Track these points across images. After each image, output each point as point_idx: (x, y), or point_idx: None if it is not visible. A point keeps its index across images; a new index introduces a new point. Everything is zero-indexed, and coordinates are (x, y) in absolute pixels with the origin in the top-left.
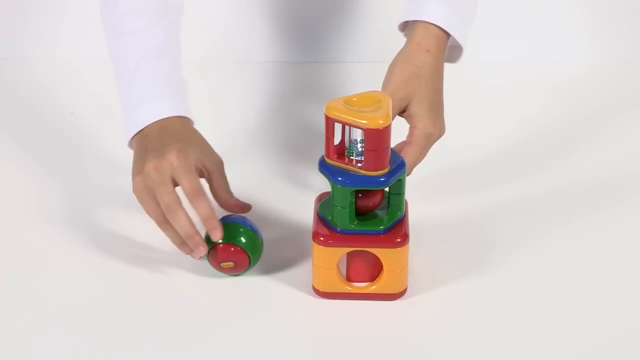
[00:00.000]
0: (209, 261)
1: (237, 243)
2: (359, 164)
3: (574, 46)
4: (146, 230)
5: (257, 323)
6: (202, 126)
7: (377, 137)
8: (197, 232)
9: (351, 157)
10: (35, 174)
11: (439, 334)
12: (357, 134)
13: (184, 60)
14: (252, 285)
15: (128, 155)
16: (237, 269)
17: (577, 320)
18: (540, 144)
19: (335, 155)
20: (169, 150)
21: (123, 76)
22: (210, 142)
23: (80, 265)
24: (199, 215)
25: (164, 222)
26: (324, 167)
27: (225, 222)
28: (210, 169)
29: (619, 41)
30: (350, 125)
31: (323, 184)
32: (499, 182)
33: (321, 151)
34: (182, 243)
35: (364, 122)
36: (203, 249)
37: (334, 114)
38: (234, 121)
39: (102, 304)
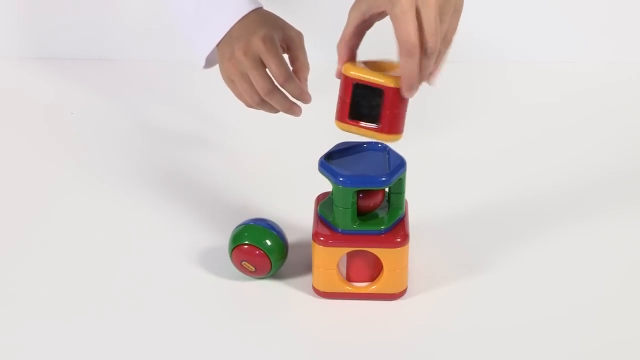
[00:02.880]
0: (231, 257)
1: (263, 247)
2: (372, 126)
3: (575, 46)
4: (145, 227)
5: (257, 323)
6: (201, 125)
7: (396, 97)
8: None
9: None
10: (35, 174)
11: (439, 334)
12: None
13: (182, 61)
14: (252, 284)
15: (128, 156)
16: (256, 274)
17: (578, 320)
18: (541, 143)
19: (348, 119)
20: (255, 36)
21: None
22: (208, 141)
23: (81, 265)
24: (291, 94)
25: (260, 102)
26: (324, 167)
27: (256, 225)
28: (291, 44)
29: (621, 41)
30: (371, 85)
31: (323, 184)
32: (500, 182)
33: (322, 151)
34: (287, 109)
35: (383, 81)
36: (309, 95)
37: (352, 74)
38: (234, 120)
39: (103, 301)
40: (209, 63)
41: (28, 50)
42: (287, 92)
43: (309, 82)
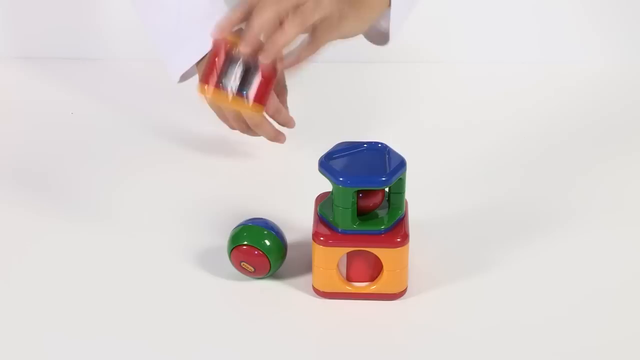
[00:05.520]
0: (230, 258)
1: (261, 247)
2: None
3: (573, 46)
4: (143, 227)
5: (257, 323)
6: (200, 124)
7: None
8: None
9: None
10: (35, 174)
11: (439, 334)
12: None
13: None
14: (252, 285)
15: (125, 155)
16: (255, 274)
17: (580, 320)
18: (541, 143)
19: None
20: None
21: (168, 12)
22: (208, 141)
23: (79, 264)
24: (278, 123)
25: (246, 129)
26: (324, 167)
27: (254, 225)
28: None
29: (619, 42)
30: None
31: (323, 184)
32: (500, 182)
33: (322, 151)
34: (273, 138)
35: None
36: (293, 121)
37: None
38: None
39: (101, 302)
40: (183, 78)
41: (13, 50)
42: (275, 121)
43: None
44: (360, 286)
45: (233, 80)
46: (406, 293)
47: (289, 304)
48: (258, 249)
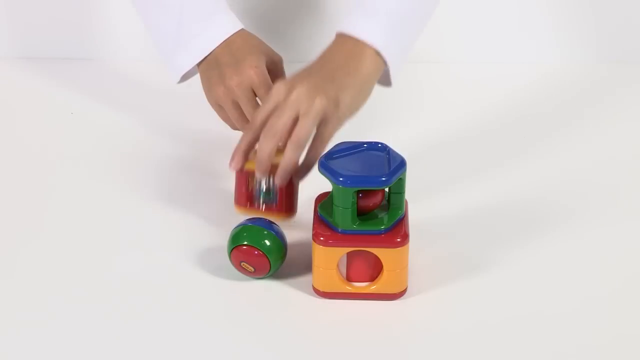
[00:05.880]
0: (230, 258)
1: (261, 247)
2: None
3: (571, 46)
4: (143, 227)
5: (257, 323)
6: (200, 124)
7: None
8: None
9: (262, 203)
10: (36, 174)
11: (439, 334)
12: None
13: None
14: (252, 284)
15: (126, 155)
16: (255, 274)
17: (579, 320)
18: (540, 143)
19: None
20: (246, 65)
21: (170, 12)
22: (208, 140)
23: (79, 265)
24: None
25: (247, 128)
26: (324, 167)
27: (254, 225)
28: (273, 69)
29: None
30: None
31: (323, 184)
32: (499, 182)
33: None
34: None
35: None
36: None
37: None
38: None
39: (101, 302)
40: (183, 78)
41: (14, 50)
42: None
43: None
44: (360, 286)
45: (260, 198)
46: (406, 293)
47: (289, 304)
48: (258, 249)
